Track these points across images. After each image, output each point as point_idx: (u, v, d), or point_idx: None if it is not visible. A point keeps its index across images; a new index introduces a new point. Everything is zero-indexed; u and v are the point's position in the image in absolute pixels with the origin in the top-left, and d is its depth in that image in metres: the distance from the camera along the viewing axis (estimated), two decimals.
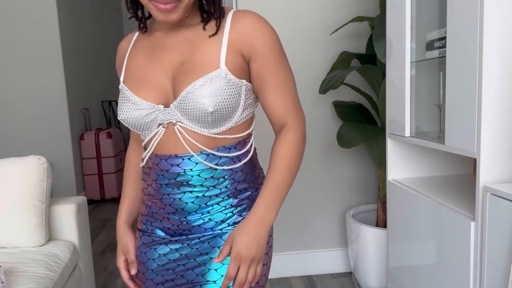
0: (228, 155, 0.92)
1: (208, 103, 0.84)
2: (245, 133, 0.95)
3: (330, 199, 2.42)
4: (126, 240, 1.04)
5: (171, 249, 0.97)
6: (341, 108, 2.25)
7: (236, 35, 0.87)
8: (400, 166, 1.78)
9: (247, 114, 0.93)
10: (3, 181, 1.79)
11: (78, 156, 4.12)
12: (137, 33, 1.00)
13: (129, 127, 0.94)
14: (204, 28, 0.90)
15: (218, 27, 0.89)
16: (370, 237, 2.06)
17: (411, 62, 1.58)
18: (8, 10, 3.64)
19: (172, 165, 0.91)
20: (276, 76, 0.90)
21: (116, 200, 4.32)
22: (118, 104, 0.94)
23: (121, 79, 0.96)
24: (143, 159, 0.98)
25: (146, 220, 1.01)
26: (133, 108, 0.90)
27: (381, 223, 2.15)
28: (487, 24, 1.14)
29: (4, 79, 3.71)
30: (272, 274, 2.37)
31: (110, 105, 5.23)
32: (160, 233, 0.99)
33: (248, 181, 0.96)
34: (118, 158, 4.44)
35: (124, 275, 1.05)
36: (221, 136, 0.91)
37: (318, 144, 2.36)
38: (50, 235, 1.90)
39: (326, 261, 2.45)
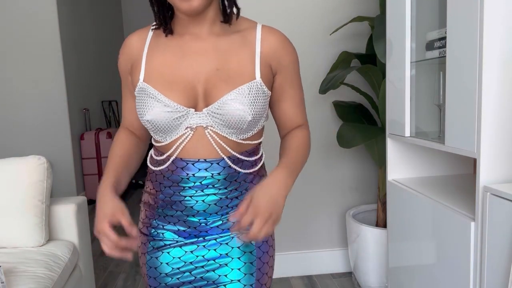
0: (249, 159, 0.97)
1: (248, 112, 0.89)
2: (260, 140, 1.01)
3: (330, 199, 2.42)
4: (118, 202, 0.94)
5: (185, 251, 0.98)
6: (341, 108, 2.25)
7: (268, 49, 0.94)
8: (400, 166, 1.78)
9: (264, 122, 0.99)
10: (3, 181, 1.79)
11: (78, 156, 4.12)
12: (151, 32, 0.98)
13: (153, 128, 0.93)
14: (228, 24, 0.95)
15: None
16: (370, 237, 2.06)
17: (411, 62, 1.58)
18: (8, 10, 3.64)
19: (199, 169, 0.93)
20: (295, 89, 1.01)
21: None
22: (142, 102, 0.91)
23: (141, 77, 0.93)
24: (161, 160, 0.96)
25: (157, 224, 1.00)
26: (163, 110, 0.90)
27: (381, 223, 2.15)
28: (487, 24, 1.14)
29: (4, 79, 3.70)
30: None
31: (110, 105, 5.23)
32: (173, 235, 0.99)
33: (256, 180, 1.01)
34: None
35: (113, 236, 0.91)
36: (245, 142, 0.95)
37: (318, 144, 2.36)
38: (50, 235, 1.90)
39: (326, 261, 2.45)
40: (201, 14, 0.92)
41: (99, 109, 4.96)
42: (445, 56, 1.34)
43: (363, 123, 2.19)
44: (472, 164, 1.81)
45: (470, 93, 1.21)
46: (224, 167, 0.94)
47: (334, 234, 2.45)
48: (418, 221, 1.54)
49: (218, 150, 0.93)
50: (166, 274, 0.99)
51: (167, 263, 0.99)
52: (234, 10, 0.96)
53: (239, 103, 0.89)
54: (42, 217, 1.82)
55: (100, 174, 4.23)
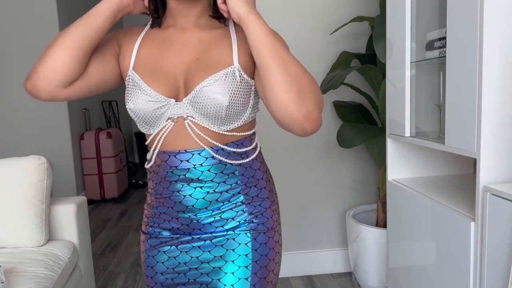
0: (236, 150, 0.94)
1: (223, 98, 0.87)
2: (250, 132, 0.98)
3: (330, 199, 2.42)
4: None
5: (180, 251, 0.97)
6: (341, 108, 2.25)
7: (243, 35, 0.90)
8: (400, 166, 1.78)
9: (254, 114, 0.97)
10: (3, 181, 1.79)
11: (78, 156, 4.12)
12: (146, 29, 1.00)
13: (135, 118, 0.92)
14: (220, 21, 0.96)
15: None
16: (370, 237, 2.06)
17: (411, 62, 1.58)
18: (8, 10, 3.64)
19: (181, 161, 0.92)
20: None
21: (116, 200, 4.32)
22: (128, 91, 0.92)
23: (131, 65, 0.93)
24: (149, 159, 0.97)
25: (153, 223, 1.00)
26: (145, 100, 0.90)
27: (381, 223, 2.15)
28: (487, 24, 1.14)
29: (4, 79, 3.71)
30: None
31: (110, 105, 5.23)
32: (169, 233, 0.99)
33: (257, 177, 0.98)
34: (118, 158, 4.44)
35: None
36: (230, 134, 0.93)
37: (318, 144, 2.36)
38: (50, 235, 1.90)
39: (326, 261, 2.45)
40: (191, 3, 0.93)
41: (99, 109, 4.96)
42: (445, 56, 1.34)
43: (363, 123, 2.19)
44: (472, 164, 1.81)
45: (470, 93, 1.21)
46: (206, 158, 0.92)
47: (334, 234, 2.45)
48: (418, 221, 1.54)
49: (197, 140, 0.91)
50: (161, 273, 0.99)
51: (162, 262, 0.99)
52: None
53: (213, 90, 0.87)
54: (42, 217, 1.82)
55: (100, 174, 4.24)
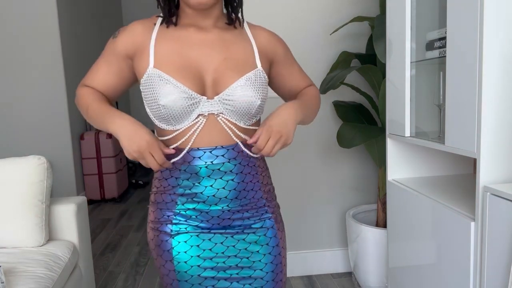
0: (253, 140, 1.00)
1: (257, 96, 0.97)
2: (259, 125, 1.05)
3: (330, 199, 2.42)
4: (147, 130, 0.94)
5: (215, 243, 1.02)
6: (341, 108, 2.25)
7: (261, 44, 1.04)
8: (400, 166, 1.78)
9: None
10: (3, 181, 1.79)
11: (78, 156, 4.12)
12: (158, 23, 1.01)
13: (165, 114, 0.93)
14: (234, 27, 1.04)
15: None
16: (370, 237, 2.06)
17: (411, 62, 1.58)
18: (8, 10, 3.64)
19: (217, 156, 0.97)
20: (295, 64, 1.15)
21: (116, 200, 4.32)
22: (154, 87, 0.93)
23: (151, 63, 0.95)
24: (179, 150, 0.97)
25: (178, 220, 1.02)
26: (180, 96, 0.92)
27: (381, 223, 2.15)
28: (487, 24, 1.14)
29: (4, 79, 3.70)
30: None
31: None
32: (197, 226, 1.02)
33: (264, 168, 1.10)
34: (118, 158, 4.43)
35: (160, 153, 0.92)
36: (251, 127, 1.01)
37: (318, 144, 2.36)
38: (50, 235, 1.90)
39: (326, 261, 2.45)
40: (207, 9, 0.98)
41: None
42: (445, 56, 1.34)
43: (363, 123, 2.19)
44: (472, 164, 1.81)
45: (470, 93, 1.21)
46: (238, 152, 0.99)
47: (334, 234, 2.45)
48: (418, 221, 1.54)
49: (232, 135, 0.98)
50: (198, 265, 1.01)
51: (198, 255, 1.01)
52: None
53: (248, 89, 0.96)
54: (42, 217, 1.82)
55: (100, 174, 4.24)
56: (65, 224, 1.92)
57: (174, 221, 1.02)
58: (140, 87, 0.98)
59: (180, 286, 1.02)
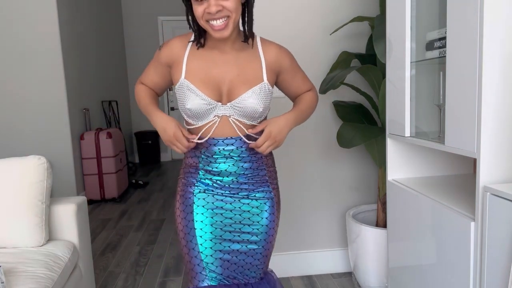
0: (257, 136, 1.33)
1: (258, 105, 1.28)
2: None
3: (330, 199, 2.42)
4: (175, 120, 1.30)
5: (226, 202, 1.35)
6: (341, 108, 2.25)
7: (269, 59, 1.33)
8: (400, 166, 1.78)
9: (268, 112, 1.38)
10: (3, 181, 1.79)
11: (78, 156, 4.12)
12: (190, 43, 1.32)
13: (190, 114, 1.28)
14: (248, 43, 1.32)
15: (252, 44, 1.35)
16: (370, 237, 2.06)
17: (411, 62, 1.58)
18: (8, 10, 3.64)
19: (227, 144, 1.31)
20: (299, 73, 1.45)
21: (116, 200, 4.32)
22: (184, 94, 1.27)
23: (183, 75, 1.28)
24: (201, 138, 1.32)
25: (199, 185, 1.35)
26: (201, 102, 1.26)
27: (381, 223, 2.15)
28: (487, 24, 1.14)
29: (4, 79, 3.71)
30: None
31: (110, 105, 5.23)
32: (214, 190, 1.35)
33: (269, 154, 1.42)
34: (118, 158, 4.44)
35: (185, 140, 1.28)
36: (257, 124, 1.33)
37: (318, 144, 2.36)
38: (50, 235, 1.90)
39: (326, 261, 2.45)
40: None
41: (99, 109, 4.96)
42: (445, 56, 1.34)
43: (363, 123, 2.19)
44: (472, 164, 1.81)
45: (470, 93, 1.21)
46: (244, 142, 1.32)
47: (334, 234, 2.45)
48: (418, 221, 1.54)
49: (238, 131, 1.30)
50: (212, 217, 1.33)
51: (212, 209, 1.34)
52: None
53: (254, 99, 1.27)
54: (42, 217, 1.82)
55: (100, 174, 4.24)
56: (65, 224, 1.92)
57: (196, 185, 1.36)
58: (175, 89, 1.31)
59: (197, 234, 1.32)
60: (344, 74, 1.94)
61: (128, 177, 4.93)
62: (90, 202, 4.26)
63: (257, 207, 1.36)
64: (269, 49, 1.34)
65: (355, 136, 1.93)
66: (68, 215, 1.92)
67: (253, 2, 1.29)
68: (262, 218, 1.37)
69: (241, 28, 1.32)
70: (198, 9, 1.20)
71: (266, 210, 1.37)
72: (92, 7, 4.86)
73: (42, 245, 1.81)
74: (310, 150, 2.36)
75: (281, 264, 2.40)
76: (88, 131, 4.26)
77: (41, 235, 1.81)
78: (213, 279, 1.34)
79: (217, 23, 1.20)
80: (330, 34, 2.26)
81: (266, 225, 1.37)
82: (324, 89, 2.02)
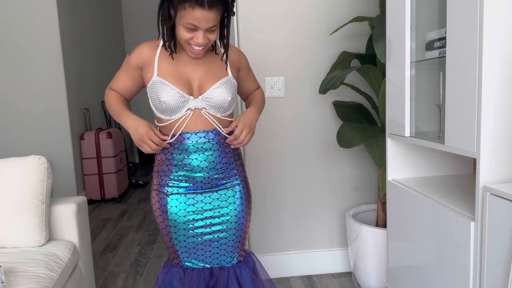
0: (228, 129, 1.44)
1: (227, 95, 1.40)
2: (232, 118, 1.48)
3: (330, 199, 2.42)
4: (147, 122, 1.38)
5: (197, 201, 1.44)
6: (341, 108, 2.25)
7: (233, 57, 1.49)
8: (400, 166, 1.78)
9: (234, 106, 1.49)
10: (3, 181, 1.79)
11: (78, 156, 4.12)
12: (160, 46, 1.41)
13: (165, 107, 1.35)
14: (216, 53, 1.46)
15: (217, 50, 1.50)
16: (370, 237, 2.06)
17: (411, 62, 1.58)
18: (8, 10, 3.64)
19: (200, 137, 1.39)
20: (251, 74, 1.62)
21: (116, 200, 4.32)
22: (158, 88, 1.34)
23: (155, 73, 1.37)
24: (173, 135, 1.39)
25: (172, 184, 1.44)
26: (176, 95, 1.34)
27: (381, 223, 2.15)
28: (487, 24, 1.14)
29: (4, 79, 3.71)
30: (272, 274, 2.37)
31: None
32: (186, 188, 1.43)
33: (235, 148, 1.51)
34: (118, 158, 4.44)
35: (157, 138, 1.37)
36: (225, 118, 1.44)
37: (318, 144, 2.36)
38: (50, 235, 1.90)
39: (326, 261, 2.45)
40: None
41: (99, 109, 4.96)
42: (445, 56, 1.34)
43: (363, 123, 2.19)
44: (472, 164, 1.81)
45: (470, 93, 1.21)
46: (216, 134, 1.41)
47: (334, 234, 2.45)
48: (418, 221, 1.54)
49: (212, 122, 1.40)
50: (184, 216, 1.44)
51: (184, 209, 1.44)
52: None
53: (222, 89, 1.39)
54: (42, 217, 1.82)
55: (100, 174, 4.24)
56: (65, 224, 1.92)
57: (169, 184, 1.44)
58: (147, 89, 1.39)
59: (171, 230, 1.45)
60: (344, 74, 1.94)
61: (128, 177, 4.93)
62: (90, 202, 4.26)
63: (225, 200, 1.47)
64: (231, 50, 1.47)
65: (355, 136, 1.93)
66: (68, 215, 1.92)
67: (231, 20, 1.39)
68: (231, 209, 1.47)
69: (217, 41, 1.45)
70: (186, 35, 1.30)
71: (235, 202, 1.48)
72: (92, 7, 4.86)
73: (42, 245, 1.81)
74: (310, 150, 2.36)
75: (281, 264, 2.40)
76: (88, 131, 4.26)
77: (41, 235, 1.81)
78: (188, 263, 1.49)
79: (198, 49, 1.33)
80: (330, 34, 2.26)
81: (235, 215, 1.48)
82: (324, 89, 2.02)
